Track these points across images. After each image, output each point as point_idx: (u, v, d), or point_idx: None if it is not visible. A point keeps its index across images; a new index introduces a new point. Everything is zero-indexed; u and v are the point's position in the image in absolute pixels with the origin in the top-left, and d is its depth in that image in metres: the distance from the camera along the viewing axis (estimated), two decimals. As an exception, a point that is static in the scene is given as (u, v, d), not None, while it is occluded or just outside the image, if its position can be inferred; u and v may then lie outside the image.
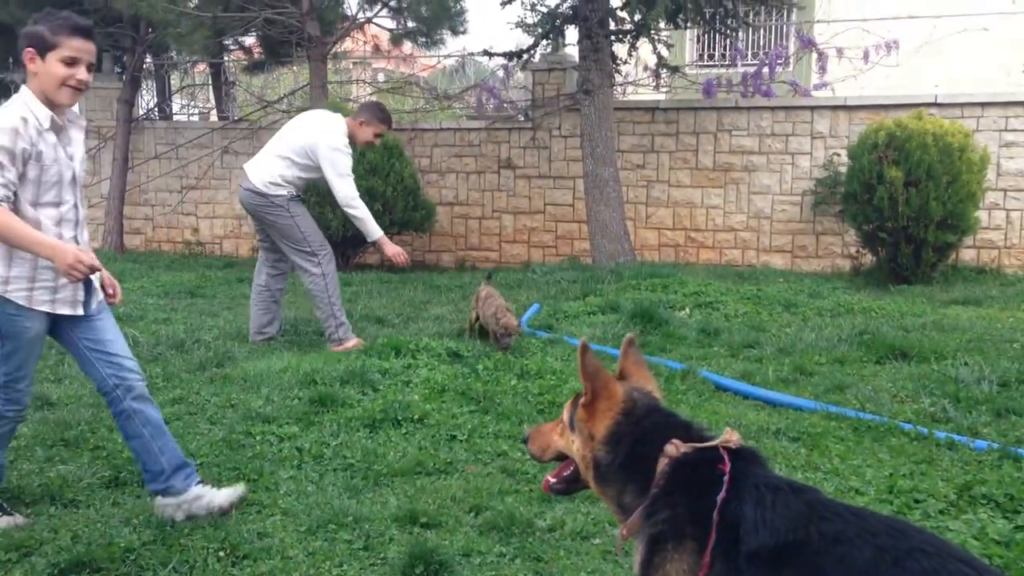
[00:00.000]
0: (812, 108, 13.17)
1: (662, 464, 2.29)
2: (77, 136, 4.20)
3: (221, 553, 3.94)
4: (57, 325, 4.18)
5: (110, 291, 4.32)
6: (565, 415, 2.56)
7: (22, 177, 3.91)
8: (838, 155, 12.57)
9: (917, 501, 4.32)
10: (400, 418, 5.77)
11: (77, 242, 4.12)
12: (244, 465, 4.98)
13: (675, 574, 2.21)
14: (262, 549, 3.98)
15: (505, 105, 15.49)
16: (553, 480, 2.67)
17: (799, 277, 12.03)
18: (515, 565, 3.93)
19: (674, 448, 2.28)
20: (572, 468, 2.58)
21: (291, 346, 8.15)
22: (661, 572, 2.25)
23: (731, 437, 2.35)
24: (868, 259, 11.98)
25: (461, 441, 5.53)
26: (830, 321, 9.00)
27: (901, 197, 10.67)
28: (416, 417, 5.80)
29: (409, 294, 11.15)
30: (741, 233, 13.52)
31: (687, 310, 9.63)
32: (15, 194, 3.91)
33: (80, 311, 4.18)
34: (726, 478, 2.20)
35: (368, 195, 12.73)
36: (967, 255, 12.12)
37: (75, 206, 4.13)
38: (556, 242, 14.53)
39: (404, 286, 11.80)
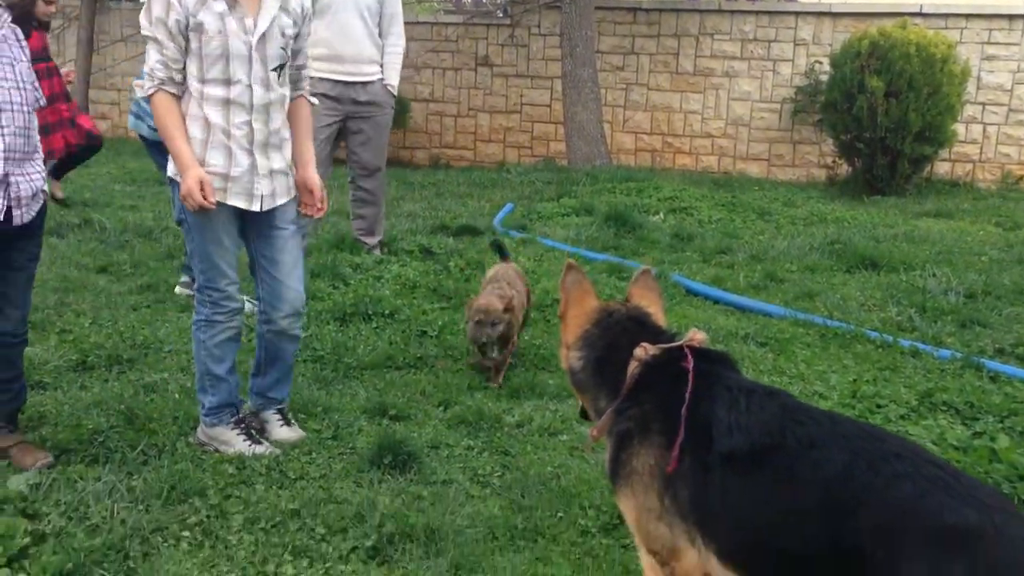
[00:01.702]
0: (796, 14, 12.94)
1: (632, 367, 2.32)
2: (269, 5, 3.63)
3: (190, 439, 3.95)
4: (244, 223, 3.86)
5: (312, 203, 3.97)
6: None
7: (187, 51, 3.55)
8: (820, 63, 12.40)
9: (879, 406, 4.39)
10: (371, 312, 5.75)
11: (251, 128, 3.67)
12: (213, 354, 4.95)
13: (641, 468, 2.24)
14: (231, 436, 3.99)
15: (483, 0, 15.08)
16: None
17: (774, 185, 12.01)
18: (483, 458, 3.97)
19: (642, 351, 2.31)
20: None
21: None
22: (628, 468, 2.28)
23: (696, 336, 2.38)
24: (844, 169, 11.96)
25: (432, 337, 5.54)
26: (803, 230, 9.03)
27: (881, 108, 10.60)
28: (387, 312, 5.79)
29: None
30: (719, 140, 13.42)
31: (661, 215, 9.62)
32: (183, 73, 3.58)
33: (255, 206, 3.76)
34: (690, 375, 2.21)
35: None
36: (942, 168, 12.13)
37: (249, 87, 3.62)
38: (532, 143, 14.36)
39: (377, 182, 11.65)
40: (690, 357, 2.27)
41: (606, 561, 3.14)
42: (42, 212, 3.62)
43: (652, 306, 2.57)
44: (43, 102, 3.63)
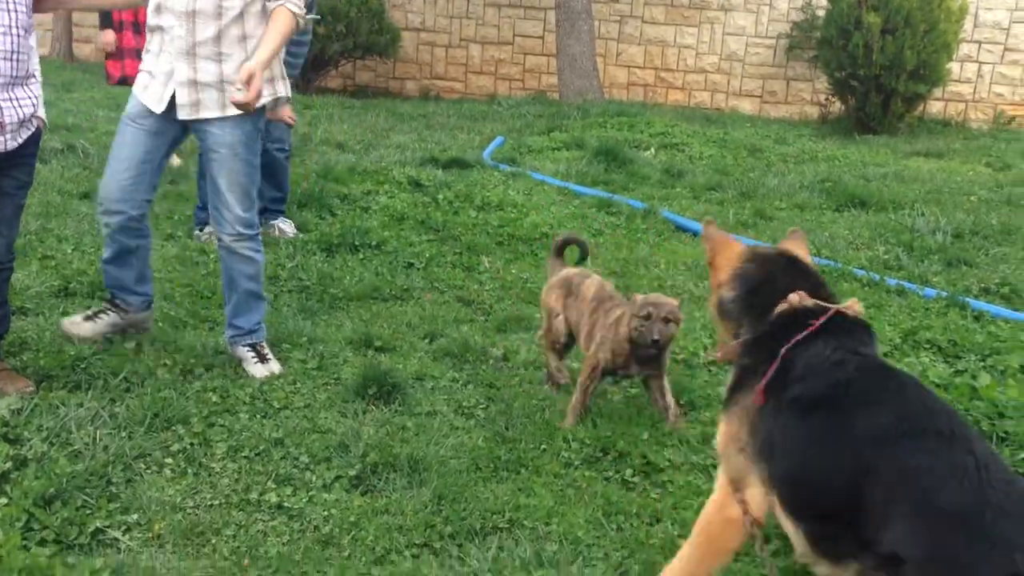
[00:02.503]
0: (795, -54, 12.71)
1: (781, 307, 2.39)
2: None
3: (169, 362, 3.94)
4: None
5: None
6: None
7: None
8: (817, -2, 12.24)
9: (863, 344, 4.41)
10: (357, 244, 5.72)
11: (175, 34, 3.67)
12: (198, 282, 4.92)
13: (742, 402, 2.38)
14: (215, 364, 3.98)
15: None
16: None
17: (767, 122, 11.92)
18: (467, 390, 3.98)
19: (797, 297, 2.37)
20: None
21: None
22: (734, 398, 2.44)
23: (854, 306, 2.42)
24: (837, 107, 11.87)
25: (418, 269, 5.52)
26: (793, 167, 8.99)
27: (877, 44, 10.48)
28: (374, 243, 5.75)
29: (371, 120, 10.89)
30: (712, 75, 13.27)
31: (652, 150, 9.55)
32: None
33: (158, 108, 3.76)
34: (806, 332, 2.28)
35: (331, 15, 12.26)
36: (934, 107, 12.04)
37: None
38: (523, 75, 14.17)
39: (366, 112, 11.51)
40: (821, 321, 2.30)
41: (588, 493, 3.16)
42: (34, 140, 3.54)
43: (798, 251, 2.62)
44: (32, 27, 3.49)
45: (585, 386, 3.71)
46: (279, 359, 4.07)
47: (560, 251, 4.27)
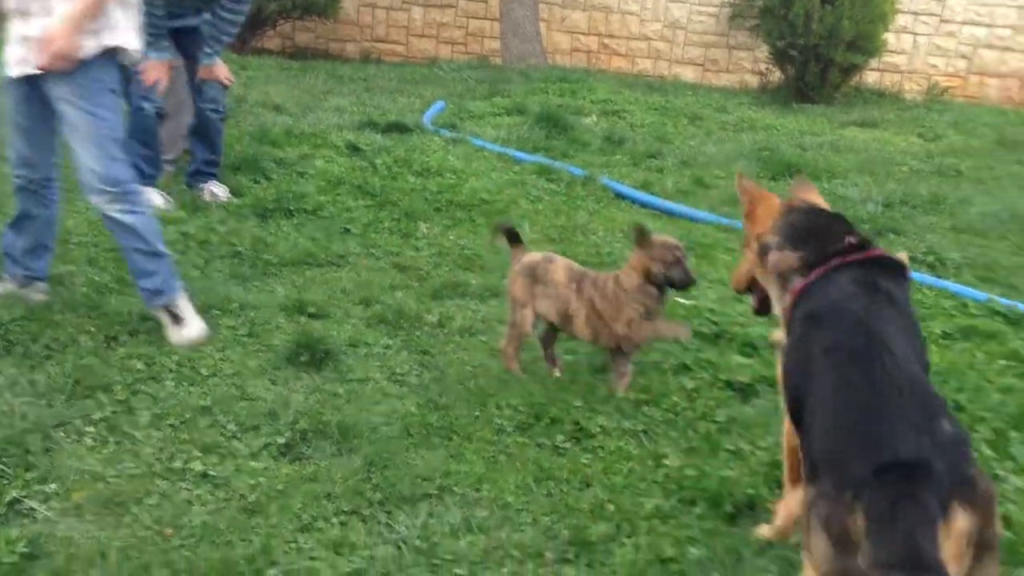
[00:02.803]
0: (738, -87, 12.70)
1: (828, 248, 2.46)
2: None
3: (92, 328, 3.85)
4: None
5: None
6: (745, 240, 2.88)
7: None
8: (759, -34, 12.26)
9: (794, 311, 4.47)
10: (293, 209, 5.62)
11: None
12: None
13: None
14: (140, 331, 3.89)
15: None
16: (753, 302, 2.96)
17: (708, 90, 11.96)
18: (401, 356, 3.96)
19: (841, 243, 2.45)
20: (760, 288, 2.79)
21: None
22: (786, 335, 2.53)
23: (903, 257, 2.54)
24: (777, 76, 11.96)
25: (355, 235, 5.45)
26: (733, 136, 9.06)
27: (816, 14, 10.57)
28: (310, 208, 5.66)
29: (309, 82, 10.70)
30: (655, 42, 13.26)
31: (594, 117, 9.53)
32: None
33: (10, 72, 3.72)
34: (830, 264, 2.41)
35: (268, -27, 11.97)
36: (870, 77, 12.18)
37: None
38: (466, 39, 14.01)
39: (304, 74, 11.30)
40: (851, 256, 2.42)
41: (519, 459, 3.17)
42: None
43: (814, 197, 2.80)
44: None
45: (657, 330, 3.68)
46: (208, 325, 3.99)
47: (511, 238, 3.99)
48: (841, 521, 1.88)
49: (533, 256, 3.91)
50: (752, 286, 2.90)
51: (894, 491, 1.84)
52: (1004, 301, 4.65)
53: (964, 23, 11.85)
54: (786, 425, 2.59)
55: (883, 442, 1.93)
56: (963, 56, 11.94)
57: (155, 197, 5.52)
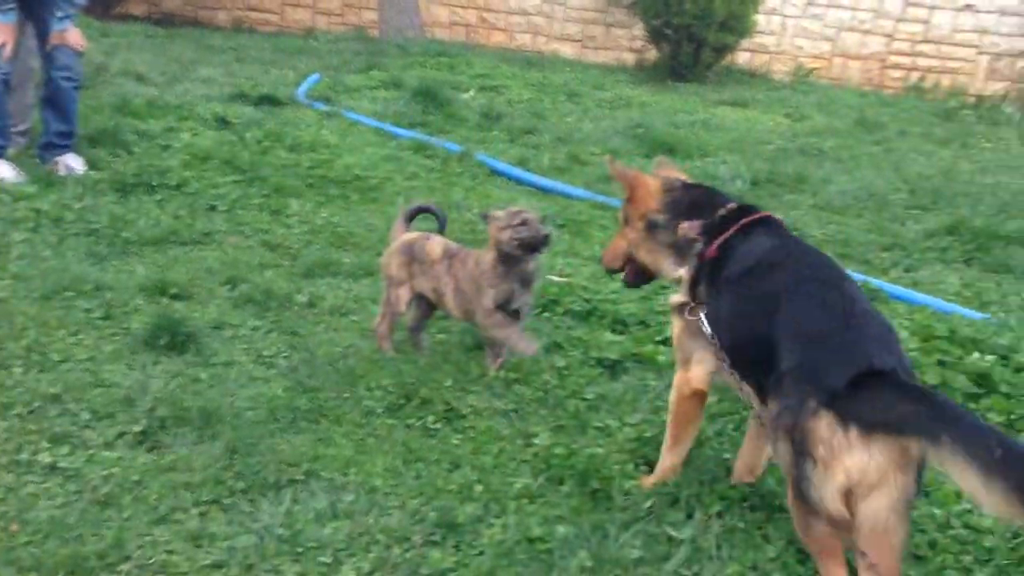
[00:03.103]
0: None
1: (720, 212, 2.80)
2: None
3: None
4: None
5: None
6: (620, 219, 3.05)
7: None
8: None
9: (664, 288, 4.56)
10: (155, 184, 5.41)
11: None
12: (-31, 224, 4.54)
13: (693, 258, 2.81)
14: (-16, 316, 3.68)
15: None
16: (625, 277, 3.14)
17: (585, 67, 12.05)
18: (269, 338, 3.86)
19: (725, 209, 2.81)
20: (634, 263, 3.04)
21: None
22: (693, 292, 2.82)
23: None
24: (652, 55, 12.14)
25: (222, 212, 5.28)
26: (609, 113, 9.16)
27: (690, -7, 10.81)
28: (174, 184, 5.46)
29: (177, 51, 10.30)
30: (534, 17, 13.28)
31: (472, 92, 9.48)
32: None
33: None
34: (736, 226, 2.74)
35: (130, -65, 11.43)
36: (742, 57, 12.50)
37: None
38: (343, 10, 13.73)
39: (172, 42, 10.88)
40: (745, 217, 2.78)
41: (389, 441, 3.14)
42: None
43: (680, 175, 3.09)
44: None
45: (506, 335, 3.60)
46: (61, 307, 3.79)
47: (410, 218, 4.01)
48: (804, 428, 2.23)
49: (411, 235, 3.90)
50: (625, 262, 3.08)
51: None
52: (858, 276, 4.85)
53: (829, 6, 12.27)
54: (687, 377, 2.84)
55: (867, 351, 2.28)
56: (827, 38, 12.37)
57: (4, 169, 5.23)
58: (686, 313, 2.80)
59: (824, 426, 2.20)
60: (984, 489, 1.98)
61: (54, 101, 5.57)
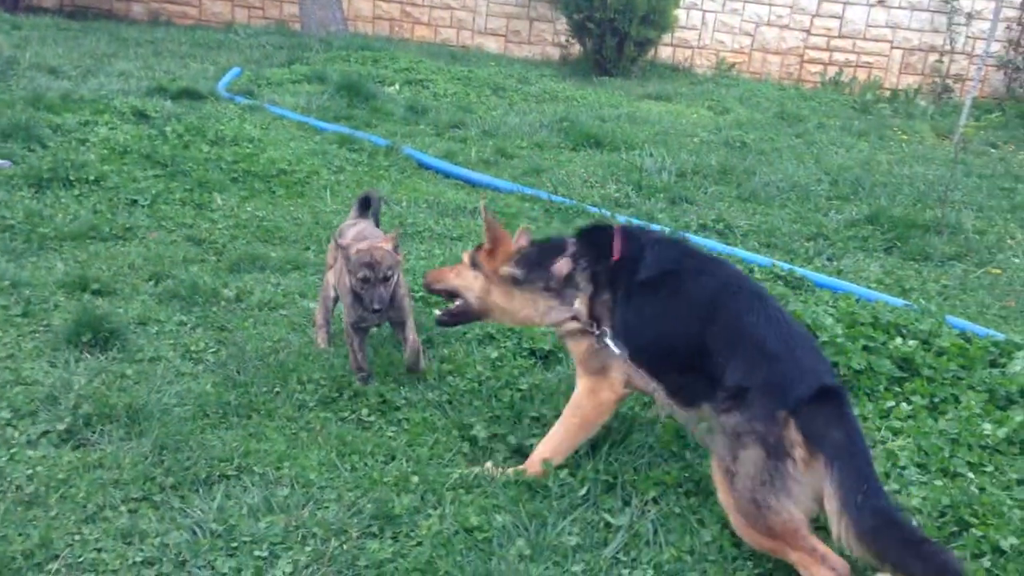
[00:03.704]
0: None
1: (562, 263, 3.01)
2: None
3: None
4: None
5: None
6: (466, 258, 3.22)
7: None
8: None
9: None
10: (72, 179, 5.25)
11: None
12: None
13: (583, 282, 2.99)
14: None
15: None
16: (440, 313, 3.28)
17: (511, 62, 12.08)
18: (196, 334, 3.78)
19: (570, 246, 3.06)
20: (463, 304, 3.19)
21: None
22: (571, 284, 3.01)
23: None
24: (576, 49, 12.23)
25: (143, 207, 5.15)
26: (535, 107, 9.19)
27: (611, -11, 10.89)
28: (92, 178, 5.30)
29: (91, 44, 9.99)
30: (457, 12, 13.24)
31: (396, 86, 9.42)
32: None
33: None
34: (616, 234, 2.96)
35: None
36: (664, 53, 12.68)
37: None
38: (263, 3, 13.49)
39: (85, 35, 10.56)
40: (616, 228, 3.02)
41: (322, 434, 3.10)
42: None
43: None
44: None
45: (349, 344, 3.51)
46: (-24, 306, 3.67)
47: (362, 206, 3.92)
48: (778, 435, 2.48)
49: (351, 221, 3.88)
50: (449, 296, 3.26)
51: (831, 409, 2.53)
52: (784, 266, 4.96)
53: (748, 1, 12.51)
54: (608, 383, 2.96)
55: (817, 370, 2.62)
56: (747, 33, 12.61)
57: None
58: (596, 334, 2.92)
59: (795, 432, 2.50)
60: (834, 520, 2.42)
61: None
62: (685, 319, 2.78)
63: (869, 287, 4.81)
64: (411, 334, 3.55)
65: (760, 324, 2.68)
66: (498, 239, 3.13)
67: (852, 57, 12.30)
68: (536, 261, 3.08)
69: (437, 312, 3.33)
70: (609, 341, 2.88)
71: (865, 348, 3.81)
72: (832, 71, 12.31)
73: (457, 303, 3.22)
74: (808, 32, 12.38)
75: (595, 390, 2.97)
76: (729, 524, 2.68)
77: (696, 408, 2.80)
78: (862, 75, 12.21)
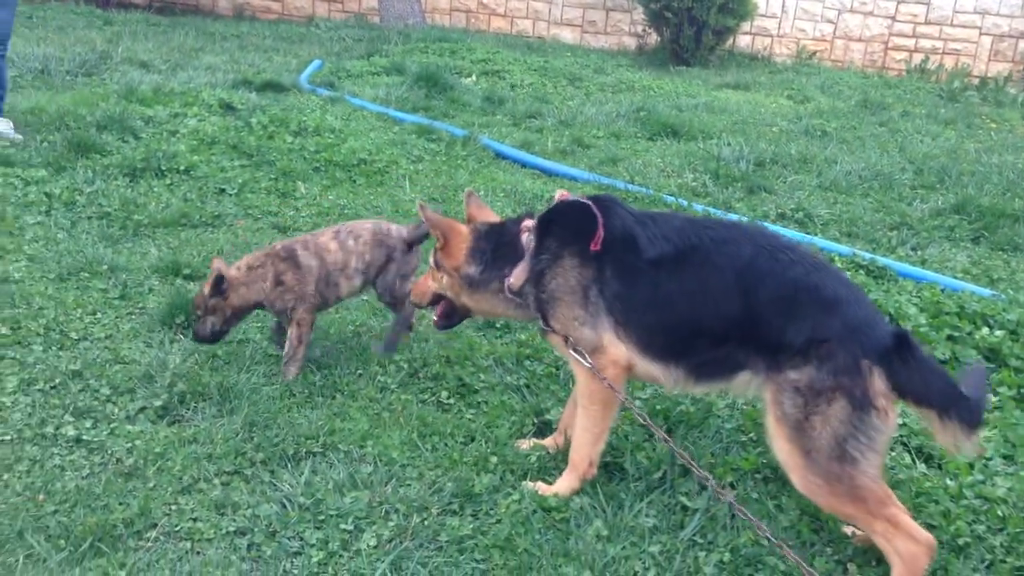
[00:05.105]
0: None
1: (525, 237, 2.79)
2: None
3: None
4: None
5: None
6: (432, 261, 3.00)
7: None
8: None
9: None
10: (164, 168, 5.44)
11: None
12: (-17, 208, 4.57)
13: (560, 277, 2.73)
14: (4, 295, 3.71)
15: None
16: (436, 318, 3.11)
17: (586, 52, 12.07)
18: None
19: (528, 221, 2.82)
20: (446, 304, 3.03)
21: (39, 84, 7.41)
22: (551, 286, 2.74)
23: (564, 194, 2.91)
24: (653, 39, 12.15)
25: (231, 195, 5.31)
26: (611, 97, 9.17)
27: (689, -23, 10.80)
28: (182, 168, 5.49)
29: (179, 39, 10.30)
30: (533, 3, 13.27)
31: (473, 77, 9.50)
32: None
33: None
34: (594, 207, 2.71)
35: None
36: (743, 41, 12.53)
37: None
38: (343, -3, 13.73)
39: (173, 30, 10.88)
40: (589, 201, 2.76)
41: (403, 415, 3.18)
42: None
43: (493, 218, 3.04)
44: None
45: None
46: (78, 288, 3.84)
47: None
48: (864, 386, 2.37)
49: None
50: (435, 301, 3.08)
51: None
52: (866, 255, 4.89)
53: (830, -11, 12.29)
54: (611, 358, 2.71)
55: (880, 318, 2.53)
56: (829, 21, 12.37)
57: (3, 126, 5.69)
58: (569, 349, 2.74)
59: (879, 381, 2.38)
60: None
61: None
62: (721, 293, 2.56)
63: (955, 277, 4.71)
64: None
65: (811, 274, 2.53)
66: (447, 233, 2.91)
67: (939, 44, 11.98)
68: (491, 260, 2.87)
69: (435, 317, 3.12)
70: (573, 352, 2.72)
71: (950, 338, 3.75)
72: (918, 58, 12.00)
73: (443, 304, 3.05)
74: (893, 19, 12.09)
75: (603, 367, 2.71)
76: (809, 511, 2.68)
77: (724, 381, 2.64)
78: (949, 62, 11.88)
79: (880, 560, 2.54)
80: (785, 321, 2.48)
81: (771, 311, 2.51)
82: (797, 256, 2.57)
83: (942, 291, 4.27)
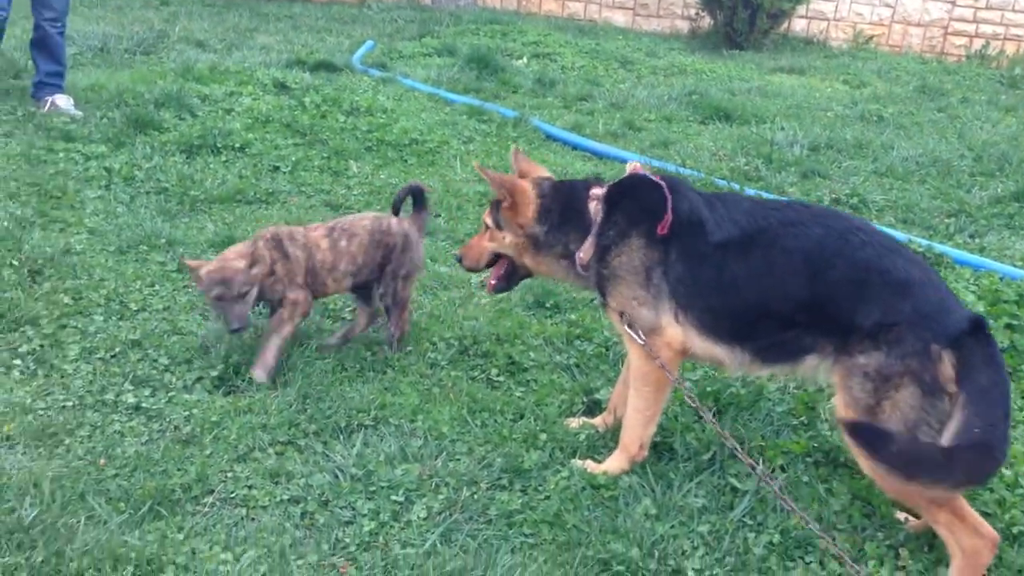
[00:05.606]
0: None
1: (593, 205, 2.78)
2: None
3: (15, 261, 3.74)
4: None
5: None
6: (489, 221, 2.95)
7: None
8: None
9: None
10: (220, 145, 5.51)
11: None
12: (46, 181, 4.66)
13: (625, 256, 2.71)
14: (66, 266, 3.80)
15: None
16: (494, 281, 3.06)
17: (638, 35, 11.98)
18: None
19: (598, 189, 2.80)
20: (507, 264, 2.99)
21: (98, 62, 7.54)
22: (614, 263, 2.73)
23: (636, 166, 2.91)
24: (706, 22, 12.02)
25: (284, 172, 5.38)
26: (663, 80, 9.10)
27: (745, -40, 10.65)
28: (237, 145, 5.56)
29: (234, 19, 10.40)
30: (586, -15, 13.19)
31: (525, 59, 9.48)
32: None
33: None
34: (664, 186, 2.70)
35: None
36: (798, 25, 12.33)
37: None
38: (395, -22, 13.74)
39: (228, 11, 10.99)
40: (659, 180, 2.75)
41: (453, 391, 3.21)
42: None
43: (543, 172, 3.02)
44: None
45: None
46: (136, 260, 3.93)
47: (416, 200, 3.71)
48: (934, 371, 2.33)
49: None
50: (490, 264, 3.04)
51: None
52: (923, 241, 4.81)
53: (888, -27, 12.04)
54: (667, 340, 2.69)
55: (955, 303, 2.46)
56: (887, 5, 12.13)
57: (63, 102, 5.84)
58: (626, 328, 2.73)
59: (949, 368, 2.33)
60: None
61: (43, 45, 5.88)
62: (789, 275, 2.53)
63: (1015, 265, 4.62)
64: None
65: (883, 257, 2.48)
66: (513, 191, 2.86)
67: (1000, 30, 11.69)
68: (557, 222, 2.84)
69: (491, 280, 3.06)
70: (627, 329, 2.71)
71: (1008, 326, 3.68)
72: (978, 44, 11.73)
73: (501, 264, 3.01)
74: (953, 4, 11.82)
75: (659, 349, 2.69)
76: (861, 495, 2.66)
77: (790, 364, 2.60)
78: (1010, 48, 11.59)
79: (932, 546, 2.52)
80: (854, 304, 2.45)
81: (840, 294, 2.47)
82: (868, 237, 2.53)
83: (1000, 279, 4.19)
